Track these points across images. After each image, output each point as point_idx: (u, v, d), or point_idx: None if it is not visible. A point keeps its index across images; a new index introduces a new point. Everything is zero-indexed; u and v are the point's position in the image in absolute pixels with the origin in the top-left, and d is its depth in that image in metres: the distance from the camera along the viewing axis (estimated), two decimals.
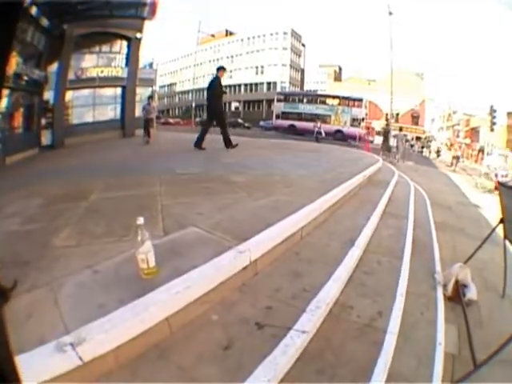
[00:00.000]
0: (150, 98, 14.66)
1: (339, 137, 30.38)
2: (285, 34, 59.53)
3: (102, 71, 17.17)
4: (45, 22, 13.67)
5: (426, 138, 48.06)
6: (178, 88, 70.57)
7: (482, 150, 38.29)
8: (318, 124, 24.12)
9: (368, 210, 4.57)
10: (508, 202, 3.87)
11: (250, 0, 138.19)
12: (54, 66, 15.31)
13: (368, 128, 37.96)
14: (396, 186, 7.62)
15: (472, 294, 3.41)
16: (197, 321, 1.87)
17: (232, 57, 62.50)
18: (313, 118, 31.09)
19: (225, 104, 59.74)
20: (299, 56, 64.05)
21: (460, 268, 3.59)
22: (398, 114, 51.51)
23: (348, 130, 31.42)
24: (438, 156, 34.63)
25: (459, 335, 2.77)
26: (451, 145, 46.79)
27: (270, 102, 49.40)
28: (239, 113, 55.92)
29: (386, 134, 20.90)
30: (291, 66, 60.51)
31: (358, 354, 1.93)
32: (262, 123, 41.46)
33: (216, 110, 8.65)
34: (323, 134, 23.85)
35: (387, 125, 23.48)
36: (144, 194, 4.06)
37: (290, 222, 3.02)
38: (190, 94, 55.51)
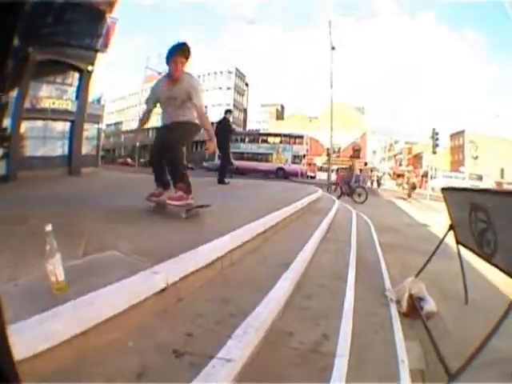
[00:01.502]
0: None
1: (281, 174, 31.05)
2: (229, 73, 61.11)
3: (53, 103, 16.71)
4: (15, 41, 13.13)
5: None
6: (124, 127, 68.65)
7: (425, 175, 40.55)
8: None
9: (307, 234, 4.50)
10: (453, 205, 3.93)
11: (198, 39, 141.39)
12: (13, 92, 14.64)
13: (310, 164, 39.21)
14: (337, 213, 7.82)
15: (430, 306, 3.32)
16: (108, 346, 1.65)
17: None
18: (255, 157, 31.66)
19: None
20: (242, 95, 65.77)
21: (412, 282, 3.55)
22: (339, 149, 54.18)
23: (289, 167, 32.23)
24: (379, 186, 36.38)
25: (425, 350, 2.68)
26: (394, 174, 49.41)
27: None
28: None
29: (350, 170, 21.59)
30: (235, 106, 61.72)
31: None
32: (205, 164, 41.37)
33: (223, 145, 9.52)
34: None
35: (351, 161, 24.25)
36: (77, 221, 3.77)
37: (216, 244, 2.84)
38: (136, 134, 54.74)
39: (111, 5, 17.30)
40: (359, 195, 15.01)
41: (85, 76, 17.80)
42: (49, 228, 1.75)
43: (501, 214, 2.81)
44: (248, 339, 1.80)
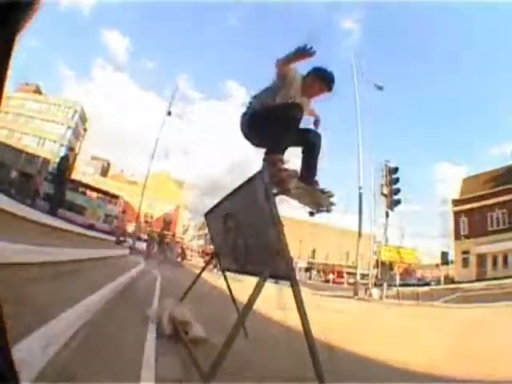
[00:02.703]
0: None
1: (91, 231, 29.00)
2: (75, 111, 52.99)
3: None
4: None
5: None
6: None
7: None
8: None
9: None
10: (212, 229, 3.94)
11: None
12: None
13: (119, 227, 37.75)
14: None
15: (197, 331, 3.27)
16: None
17: (29, 117, 50.91)
18: (71, 207, 29.08)
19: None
20: (78, 140, 57.89)
21: (173, 304, 3.56)
22: (151, 217, 54.09)
23: (100, 225, 30.46)
24: (183, 259, 37.22)
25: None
26: (203, 252, 50.77)
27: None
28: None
29: (161, 238, 26.52)
30: (68, 148, 53.71)
31: None
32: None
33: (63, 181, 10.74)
34: None
35: (163, 230, 25.19)
36: None
37: None
38: None
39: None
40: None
41: None
42: None
43: (242, 209, 2.78)
44: None
